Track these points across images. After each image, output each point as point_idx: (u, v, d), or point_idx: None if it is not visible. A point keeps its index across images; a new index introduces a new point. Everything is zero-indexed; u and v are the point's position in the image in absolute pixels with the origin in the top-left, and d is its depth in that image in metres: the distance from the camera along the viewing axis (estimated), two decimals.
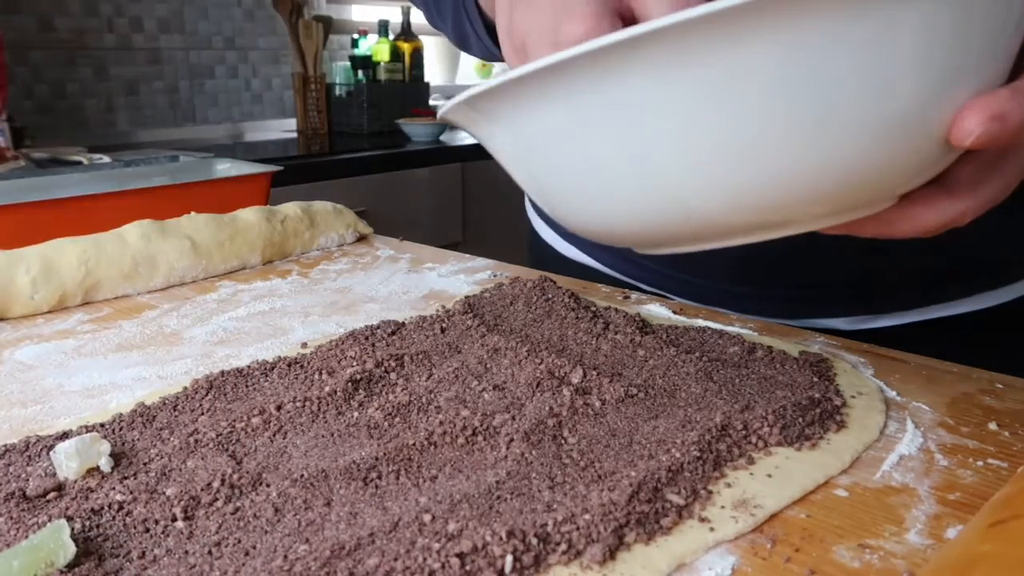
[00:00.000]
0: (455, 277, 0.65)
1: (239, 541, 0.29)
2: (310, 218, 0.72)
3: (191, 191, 0.80)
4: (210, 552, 0.29)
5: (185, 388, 0.42)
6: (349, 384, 0.41)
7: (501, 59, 0.46)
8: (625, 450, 0.35)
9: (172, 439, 0.36)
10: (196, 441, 0.36)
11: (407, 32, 2.46)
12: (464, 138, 2.26)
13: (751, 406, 0.38)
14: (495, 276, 0.65)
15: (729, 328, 0.50)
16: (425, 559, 0.27)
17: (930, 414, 0.40)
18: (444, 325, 0.50)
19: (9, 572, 0.26)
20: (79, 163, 1.43)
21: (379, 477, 0.33)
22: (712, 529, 0.30)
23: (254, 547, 0.29)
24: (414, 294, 0.61)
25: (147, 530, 0.30)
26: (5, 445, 0.36)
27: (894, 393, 0.42)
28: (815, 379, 0.42)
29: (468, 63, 2.97)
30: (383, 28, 2.40)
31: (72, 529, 0.29)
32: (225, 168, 0.94)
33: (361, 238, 0.78)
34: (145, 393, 0.43)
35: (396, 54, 2.40)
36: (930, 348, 0.48)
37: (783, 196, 0.28)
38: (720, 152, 0.27)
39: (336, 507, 0.31)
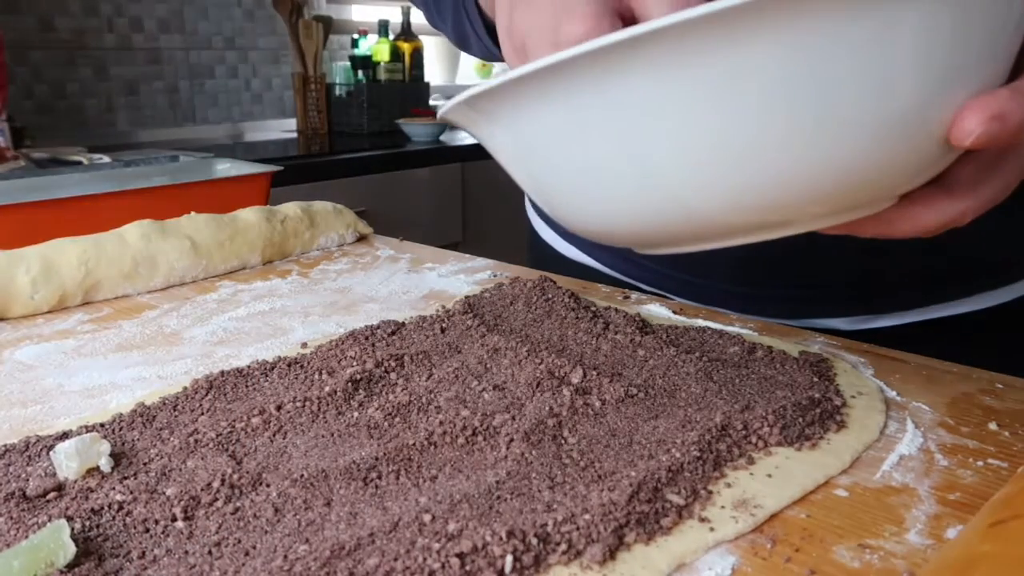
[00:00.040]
0: (455, 277, 0.65)
1: (239, 541, 0.29)
2: (310, 218, 0.72)
3: (191, 191, 0.80)
4: (210, 552, 0.29)
5: (185, 388, 0.42)
6: (349, 384, 0.41)
7: (501, 59, 0.46)
8: (625, 450, 0.35)
9: (172, 439, 0.36)
10: (196, 441, 0.36)
11: (407, 32, 2.46)
12: (464, 138, 2.26)
13: (751, 406, 0.38)
14: (495, 276, 0.65)
15: (729, 328, 0.50)
16: (425, 559, 0.27)
17: (930, 414, 0.40)
18: (444, 325, 0.50)
19: (9, 572, 0.26)
20: (79, 163, 1.44)
21: (379, 477, 0.33)
22: (712, 529, 0.30)
23: (254, 547, 0.29)
24: (414, 294, 0.61)
25: (147, 530, 0.30)
26: (5, 445, 0.36)
27: (894, 393, 0.42)
28: (815, 379, 0.42)
29: (468, 63, 2.97)
30: (383, 28, 2.40)
31: (72, 529, 0.29)
32: (225, 168, 0.94)
33: (361, 238, 0.78)
34: (145, 393, 0.43)
35: (396, 54, 2.40)
36: (930, 348, 0.48)
37: (783, 196, 0.28)
38: (720, 152, 0.27)
39: (336, 507, 0.31)
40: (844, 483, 0.34)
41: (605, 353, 0.46)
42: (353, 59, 2.34)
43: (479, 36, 0.57)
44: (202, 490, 0.32)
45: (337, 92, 2.35)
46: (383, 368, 0.43)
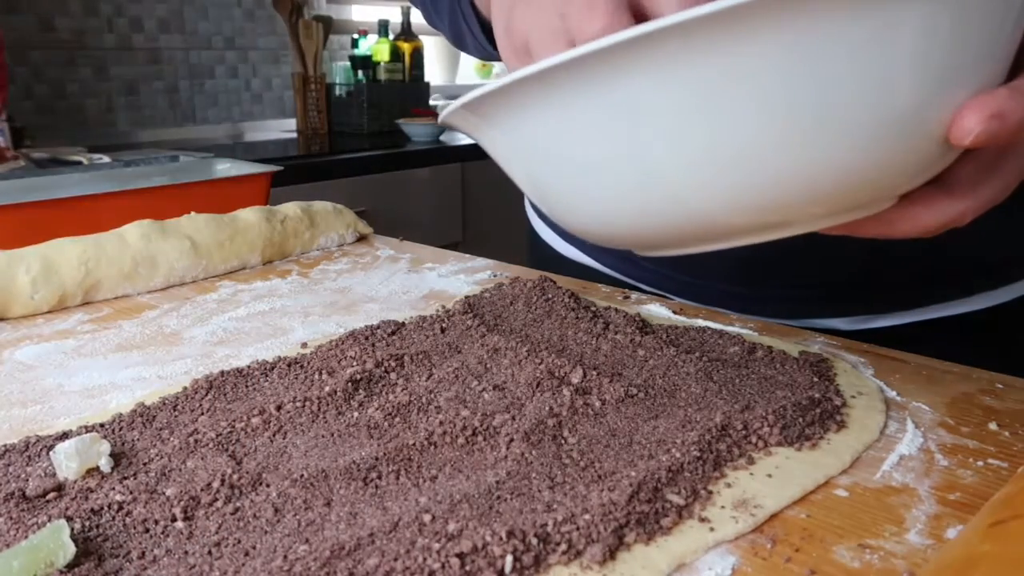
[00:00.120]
0: (455, 277, 0.65)
1: (239, 541, 0.29)
2: (310, 218, 0.72)
3: (191, 191, 0.80)
4: (210, 552, 0.29)
5: (185, 388, 0.42)
6: (349, 384, 0.41)
7: (497, 58, 0.46)
8: (625, 450, 0.35)
9: (172, 439, 0.36)
10: (196, 441, 0.36)
11: (407, 32, 2.46)
12: (464, 138, 2.26)
13: (751, 406, 0.38)
14: (495, 276, 0.65)
15: (729, 328, 0.50)
16: (425, 559, 0.27)
17: (930, 414, 0.40)
18: (444, 325, 0.50)
19: (9, 572, 0.26)
20: (79, 163, 1.44)
21: (379, 477, 0.33)
22: (712, 529, 0.30)
23: (254, 547, 0.29)
24: (414, 294, 0.61)
25: (147, 530, 0.30)
26: (5, 445, 0.36)
27: (894, 393, 0.42)
28: (815, 379, 0.42)
29: (468, 63, 2.97)
30: (383, 28, 2.40)
31: (72, 529, 0.29)
32: (225, 168, 0.94)
33: (361, 238, 0.78)
34: (145, 393, 0.43)
35: (396, 54, 2.40)
36: (930, 348, 0.48)
37: (783, 196, 0.28)
38: (720, 151, 0.27)
39: (336, 507, 0.31)
40: (844, 483, 0.34)
41: (605, 353, 0.46)
42: (353, 59, 2.34)
43: (474, 35, 0.57)
44: (202, 490, 0.32)
45: (337, 92, 2.35)
46: (383, 368, 0.43)
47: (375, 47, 2.39)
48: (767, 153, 0.27)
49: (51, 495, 0.32)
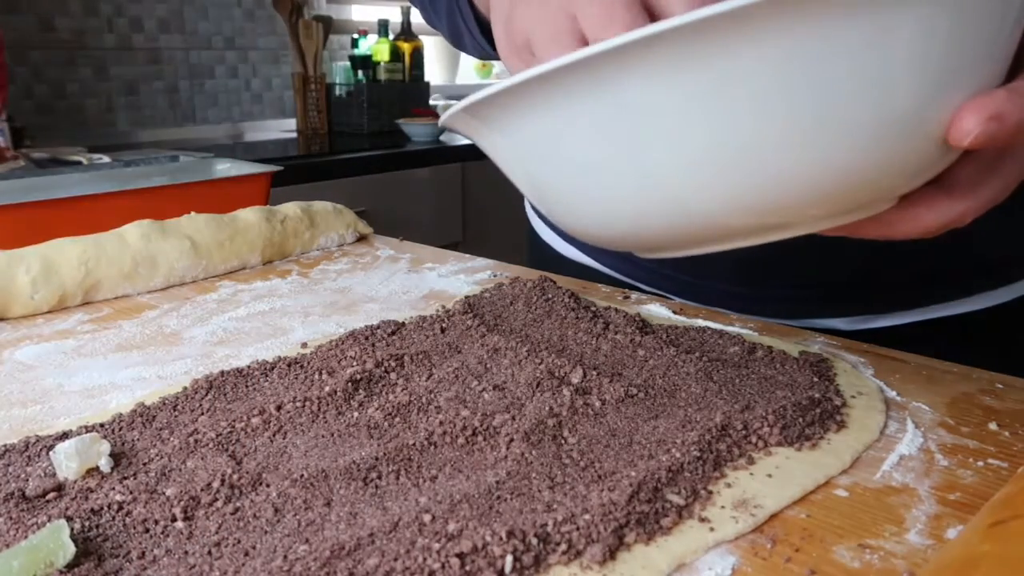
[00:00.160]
0: (455, 277, 0.65)
1: (239, 541, 0.29)
2: (310, 218, 0.72)
3: (191, 191, 0.80)
4: (210, 552, 0.29)
5: (185, 388, 0.42)
6: (349, 384, 0.41)
7: (495, 57, 0.46)
8: (625, 450, 0.35)
9: (172, 439, 0.36)
10: (196, 441, 0.36)
11: (407, 32, 2.46)
12: (464, 138, 2.26)
13: (751, 406, 0.38)
14: (495, 276, 0.65)
15: (729, 328, 0.50)
16: (425, 559, 0.27)
17: (930, 414, 0.40)
18: (444, 325, 0.50)
19: (9, 572, 0.26)
20: (79, 163, 1.44)
21: (379, 477, 0.33)
22: (712, 529, 0.30)
23: (254, 547, 0.29)
24: (414, 294, 0.61)
25: (147, 530, 0.30)
26: (5, 445, 0.36)
27: (894, 393, 0.42)
28: (815, 379, 0.42)
29: (468, 63, 2.96)
30: (383, 28, 2.40)
31: (72, 529, 0.29)
32: (225, 168, 0.94)
33: (361, 238, 0.78)
34: (145, 393, 0.43)
35: (396, 54, 2.40)
36: (930, 348, 0.48)
37: (783, 197, 0.28)
38: (720, 153, 0.27)
39: (336, 507, 0.31)
40: (844, 483, 0.34)
41: (605, 353, 0.46)
42: (353, 59, 2.34)
43: (472, 34, 0.57)
44: (202, 490, 0.32)
45: (337, 92, 2.35)
46: (383, 368, 0.43)
47: (375, 47, 2.39)
48: (767, 154, 0.27)
49: (51, 495, 0.32)
